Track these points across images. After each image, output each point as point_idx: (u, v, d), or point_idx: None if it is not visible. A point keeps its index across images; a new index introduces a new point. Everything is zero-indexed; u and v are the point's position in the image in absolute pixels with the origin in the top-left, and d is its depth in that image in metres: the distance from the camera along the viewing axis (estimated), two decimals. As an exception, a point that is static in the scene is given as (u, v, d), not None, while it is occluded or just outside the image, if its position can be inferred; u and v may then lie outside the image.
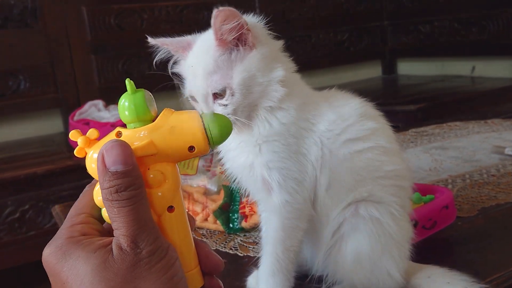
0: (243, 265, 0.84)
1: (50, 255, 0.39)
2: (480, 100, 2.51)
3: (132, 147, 0.39)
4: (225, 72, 0.64)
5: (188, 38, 0.70)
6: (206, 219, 1.01)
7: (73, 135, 0.41)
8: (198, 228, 1.00)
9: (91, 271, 0.37)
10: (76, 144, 0.41)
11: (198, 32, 0.71)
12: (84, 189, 0.44)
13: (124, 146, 0.38)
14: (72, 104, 2.38)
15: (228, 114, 0.64)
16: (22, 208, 1.88)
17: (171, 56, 0.71)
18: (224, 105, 0.65)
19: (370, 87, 3.11)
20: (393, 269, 0.68)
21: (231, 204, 0.98)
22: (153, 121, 0.41)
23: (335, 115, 0.69)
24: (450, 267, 0.71)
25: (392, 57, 3.43)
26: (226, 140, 0.43)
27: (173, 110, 0.42)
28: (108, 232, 0.42)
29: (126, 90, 0.41)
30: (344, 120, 0.68)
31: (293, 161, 0.66)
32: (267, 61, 0.66)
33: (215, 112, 0.53)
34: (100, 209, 0.42)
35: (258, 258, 0.74)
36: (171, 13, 2.61)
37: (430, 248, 0.82)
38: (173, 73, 0.71)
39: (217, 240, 0.95)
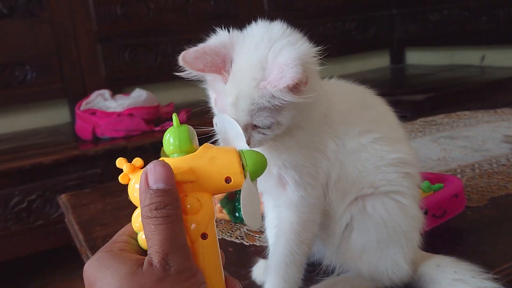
0: (249, 254, 0.83)
1: (88, 266, 0.40)
2: (489, 90, 2.48)
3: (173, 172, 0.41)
4: (274, 110, 0.59)
5: (221, 51, 0.60)
6: (212, 208, 1.00)
7: (119, 162, 0.44)
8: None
9: (118, 281, 0.38)
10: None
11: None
12: None
13: (166, 167, 0.41)
14: (79, 93, 2.37)
15: (265, 141, 0.62)
16: (29, 197, 1.89)
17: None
18: (264, 134, 0.61)
19: (378, 77, 3.09)
20: (400, 259, 0.68)
21: (237, 194, 0.98)
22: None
23: (343, 105, 0.68)
24: (459, 256, 0.70)
25: (400, 46, 3.40)
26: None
27: (213, 145, 0.45)
28: (145, 254, 0.43)
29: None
30: (351, 111, 0.68)
31: (309, 157, 0.65)
32: (314, 99, 0.60)
33: (253, 139, 0.59)
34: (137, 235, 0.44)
35: (264, 247, 0.73)
36: (178, 2, 2.60)
37: (440, 237, 0.81)
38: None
39: (223, 229, 0.94)
